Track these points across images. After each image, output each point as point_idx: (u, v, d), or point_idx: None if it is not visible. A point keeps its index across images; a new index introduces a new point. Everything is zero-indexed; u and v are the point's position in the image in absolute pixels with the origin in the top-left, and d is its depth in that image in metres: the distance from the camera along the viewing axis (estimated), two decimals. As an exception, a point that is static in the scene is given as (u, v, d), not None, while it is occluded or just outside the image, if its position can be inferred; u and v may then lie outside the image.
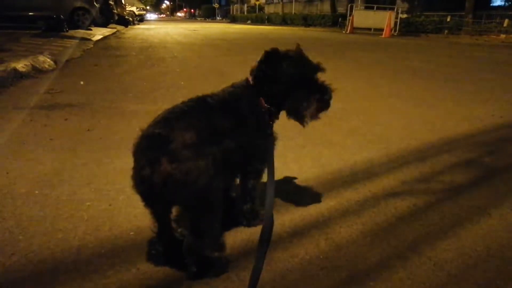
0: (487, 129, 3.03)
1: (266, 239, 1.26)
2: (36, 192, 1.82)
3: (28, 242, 1.43)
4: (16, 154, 2.30)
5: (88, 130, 2.78)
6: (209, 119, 1.25)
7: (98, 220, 1.60)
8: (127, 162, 2.19)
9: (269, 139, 1.46)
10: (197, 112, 1.27)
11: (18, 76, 4.54)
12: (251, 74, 1.45)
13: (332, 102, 1.56)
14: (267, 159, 1.42)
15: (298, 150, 2.47)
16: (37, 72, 4.99)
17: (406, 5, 26.43)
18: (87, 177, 2.00)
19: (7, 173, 2.03)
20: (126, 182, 1.95)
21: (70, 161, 2.20)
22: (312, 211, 1.71)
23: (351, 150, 2.50)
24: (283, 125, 2.94)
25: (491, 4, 24.86)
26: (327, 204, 1.77)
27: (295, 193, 1.89)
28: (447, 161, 2.33)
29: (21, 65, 4.79)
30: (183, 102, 1.31)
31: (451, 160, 2.36)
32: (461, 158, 2.39)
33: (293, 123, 2.94)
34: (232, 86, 1.46)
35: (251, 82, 1.44)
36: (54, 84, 4.40)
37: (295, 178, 2.05)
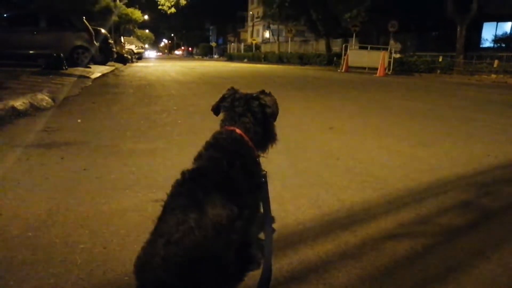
0: (483, 169, 3.05)
1: None
2: (29, 234, 1.79)
3: (19, 288, 1.39)
4: (10, 193, 2.28)
5: (84, 169, 2.77)
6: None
7: (92, 264, 1.56)
8: (122, 203, 2.18)
9: (265, 186, 1.47)
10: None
11: (16, 114, 4.57)
12: (238, 126, 1.46)
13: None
14: (264, 206, 1.43)
15: (294, 190, 2.47)
16: (35, 110, 5.04)
17: (399, 45, 27.32)
18: (82, 218, 1.98)
19: (1, 214, 2.00)
20: (121, 223, 1.93)
21: (65, 202, 2.18)
22: (310, 254, 1.69)
23: (348, 190, 2.50)
24: (279, 164, 2.97)
25: (481, 46, 25.78)
26: (325, 248, 1.75)
27: (293, 235, 1.87)
28: (444, 203, 2.33)
29: (19, 103, 4.83)
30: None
31: (448, 201, 2.36)
32: (458, 200, 2.39)
33: (290, 163, 2.96)
34: (227, 139, 1.42)
35: (243, 134, 1.44)
36: (51, 122, 4.43)
37: (292, 219, 2.03)
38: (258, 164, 1.48)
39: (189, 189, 1.21)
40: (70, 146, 3.41)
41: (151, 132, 4.12)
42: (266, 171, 1.51)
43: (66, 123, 4.44)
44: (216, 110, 1.61)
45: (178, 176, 1.29)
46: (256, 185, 1.40)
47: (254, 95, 1.56)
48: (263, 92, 1.60)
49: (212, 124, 1.60)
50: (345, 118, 5.35)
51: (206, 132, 1.51)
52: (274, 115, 1.56)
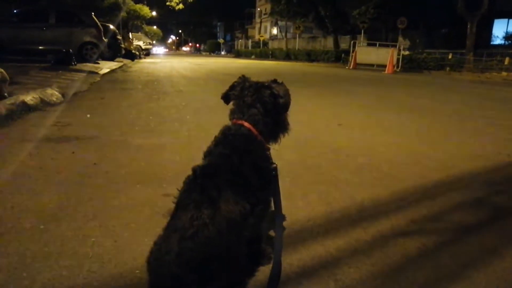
0: (494, 167, 3.01)
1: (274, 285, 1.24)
2: (41, 227, 1.81)
3: (32, 280, 1.40)
4: (22, 187, 2.30)
5: (95, 163, 2.79)
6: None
7: (103, 257, 1.57)
8: (132, 197, 2.19)
9: (276, 180, 1.45)
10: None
11: (27, 109, 4.61)
12: (246, 119, 1.43)
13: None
14: (275, 200, 1.42)
15: (304, 187, 2.46)
16: (45, 105, 5.07)
17: (407, 43, 27.13)
18: (93, 212, 1.99)
19: (12, 207, 2.02)
20: (131, 217, 1.93)
21: (76, 196, 2.19)
22: (320, 250, 1.68)
23: (358, 187, 2.48)
24: (289, 160, 2.96)
25: (492, 43, 25.45)
26: (336, 244, 1.74)
27: (303, 231, 1.86)
28: (456, 200, 2.30)
29: (29, 98, 4.87)
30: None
31: (460, 199, 2.33)
32: (469, 197, 2.36)
33: (299, 159, 2.94)
34: (236, 135, 1.39)
35: (252, 128, 1.41)
36: (61, 117, 4.46)
37: (302, 216, 2.02)
38: (268, 158, 1.46)
39: (201, 186, 1.21)
40: (81, 141, 3.43)
41: (160, 127, 4.13)
42: (276, 164, 1.49)
43: (76, 118, 4.47)
44: (225, 98, 1.57)
45: (188, 171, 1.29)
46: (266, 180, 1.39)
47: (266, 84, 1.50)
48: (275, 81, 1.54)
49: (220, 119, 1.58)
50: (354, 115, 5.31)
51: (215, 128, 1.49)
52: (286, 105, 1.51)
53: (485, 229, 1.96)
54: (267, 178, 1.39)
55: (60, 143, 3.35)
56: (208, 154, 1.37)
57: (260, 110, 1.45)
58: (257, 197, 1.29)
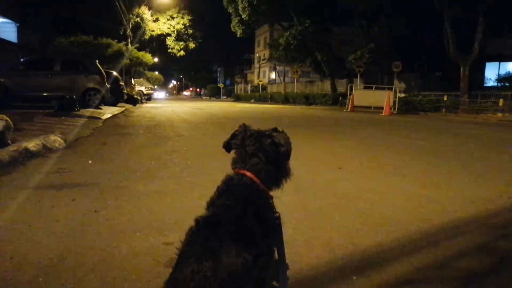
0: (497, 211, 3.00)
1: None
2: (40, 279, 1.77)
3: (29, 337, 1.36)
4: (21, 237, 2.28)
5: (95, 211, 2.78)
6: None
7: (103, 311, 1.53)
8: (133, 247, 2.17)
9: (279, 230, 1.45)
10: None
11: (29, 155, 4.64)
12: (248, 169, 1.45)
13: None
14: (279, 252, 1.41)
15: (306, 233, 2.44)
16: (47, 151, 5.12)
17: (403, 85, 27.78)
18: (93, 262, 1.96)
19: (12, 258, 1.99)
20: (131, 268, 1.90)
21: (76, 245, 2.17)
22: (325, 301, 1.64)
23: (360, 233, 2.46)
24: (290, 206, 2.95)
25: (485, 85, 26.10)
26: (340, 294, 1.71)
27: (306, 280, 1.83)
28: (460, 246, 2.28)
29: (32, 145, 4.92)
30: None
31: (464, 244, 2.30)
32: (474, 243, 2.33)
33: (300, 205, 2.93)
34: (238, 185, 1.40)
35: (254, 178, 1.43)
36: (63, 163, 4.48)
37: (305, 264, 1.99)
38: (271, 207, 1.47)
39: (203, 237, 1.21)
40: (81, 188, 3.43)
41: (161, 173, 4.14)
42: (279, 213, 1.49)
43: (78, 164, 4.49)
44: (227, 147, 1.60)
45: (189, 219, 1.29)
46: (270, 230, 1.39)
47: (267, 133, 1.53)
48: (275, 129, 1.57)
49: (222, 165, 1.61)
50: (354, 158, 5.35)
51: (216, 173, 1.52)
52: (288, 154, 1.54)
53: (492, 276, 1.92)
54: (270, 227, 1.39)
55: (61, 190, 3.35)
56: (211, 204, 1.37)
57: (262, 159, 1.48)
58: (260, 248, 1.29)
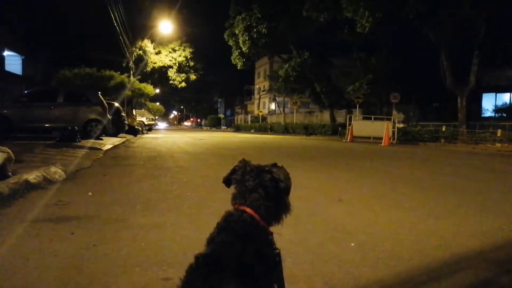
0: (498, 244, 2.97)
1: None
2: (37, 317, 1.75)
3: None
4: (18, 272, 2.25)
5: (94, 245, 2.75)
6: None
7: None
8: (132, 282, 2.14)
9: (279, 267, 1.44)
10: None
11: (29, 187, 4.64)
12: (248, 205, 1.45)
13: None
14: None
15: (307, 268, 2.41)
16: (47, 183, 5.12)
17: (402, 116, 28.07)
18: (90, 299, 1.93)
19: (8, 294, 1.97)
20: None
21: (74, 281, 2.14)
22: None
23: (361, 267, 2.43)
24: (290, 239, 2.93)
25: (482, 115, 26.39)
26: (342, 332, 1.67)
27: (307, 318, 1.79)
28: (464, 282, 2.25)
29: (32, 177, 4.93)
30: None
31: (467, 280, 2.27)
32: (477, 278, 2.30)
33: (300, 238, 2.91)
34: (238, 222, 1.40)
35: (254, 214, 1.43)
36: (62, 195, 4.48)
37: (306, 300, 1.96)
38: (271, 244, 1.47)
39: (203, 275, 1.20)
40: (80, 221, 3.41)
41: (161, 205, 4.13)
42: (279, 250, 1.49)
43: (77, 196, 4.49)
44: (227, 182, 1.62)
45: (189, 252, 1.29)
46: (270, 267, 1.39)
47: (266, 168, 1.54)
48: (275, 165, 1.60)
49: (222, 196, 1.63)
50: (354, 189, 5.34)
51: (216, 205, 1.54)
52: (287, 189, 1.55)
53: (496, 313, 1.89)
54: (271, 265, 1.39)
55: (59, 223, 3.33)
56: (210, 241, 1.37)
57: (261, 194, 1.49)
58: (260, 285, 1.28)
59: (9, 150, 4.96)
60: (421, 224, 3.55)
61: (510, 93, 26.96)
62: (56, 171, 5.73)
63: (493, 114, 26.65)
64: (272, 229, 1.53)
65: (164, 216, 3.63)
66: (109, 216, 3.60)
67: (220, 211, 1.45)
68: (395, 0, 18.46)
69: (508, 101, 26.89)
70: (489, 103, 27.64)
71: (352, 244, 2.90)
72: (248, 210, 1.44)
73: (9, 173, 4.81)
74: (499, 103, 27.13)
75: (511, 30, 20.41)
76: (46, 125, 13.26)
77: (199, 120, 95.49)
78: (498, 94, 27.49)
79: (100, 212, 3.74)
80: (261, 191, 1.49)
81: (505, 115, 24.54)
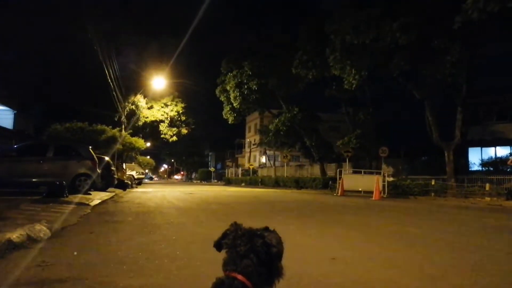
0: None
1: None
2: None
3: None
4: None
5: (77, 311, 2.62)
6: None
7: None
8: None
9: None
10: None
11: (12, 247, 4.48)
12: (240, 272, 1.43)
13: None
14: None
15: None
16: (31, 242, 4.95)
17: (391, 169, 28.38)
18: None
19: None
20: None
21: None
22: None
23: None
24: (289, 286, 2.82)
25: (470, 169, 26.82)
26: None
27: None
28: None
29: (16, 235, 4.77)
30: None
31: None
32: None
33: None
34: None
35: (245, 281, 1.41)
36: (46, 256, 4.31)
37: None
38: None
39: None
40: (64, 284, 3.27)
41: (149, 265, 4.00)
42: None
43: (62, 256, 4.33)
44: (218, 246, 1.60)
45: None
46: None
47: (258, 232, 1.54)
48: (267, 229, 1.59)
49: (211, 255, 1.59)
50: (346, 247, 5.25)
51: (206, 265, 1.51)
52: (279, 255, 1.54)
53: None
54: None
55: (41, 287, 3.18)
56: None
57: (253, 260, 1.47)
58: None
59: (-6, 208, 4.85)
60: (416, 285, 3.47)
61: (495, 147, 27.63)
62: (41, 229, 5.56)
63: (480, 168, 27.10)
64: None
65: (151, 278, 3.50)
66: (94, 278, 3.46)
67: (210, 271, 1.42)
68: (379, 58, 19.41)
69: (493, 155, 27.47)
70: (475, 157, 28.21)
71: (347, 308, 2.81)
72: (240, 277, 1.41)
73: (-8, 232, 4.66)
74: (485, 157, 27.70)
75: (491, 87, 21.42)
76: (33, 179, 13.04)
77: (188, 173, 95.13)
78: (483, 148, 28.14)
79: (85, 273, 3.60)
80: (253, 257, 1.48)
81: (491, 169, 24.97)
